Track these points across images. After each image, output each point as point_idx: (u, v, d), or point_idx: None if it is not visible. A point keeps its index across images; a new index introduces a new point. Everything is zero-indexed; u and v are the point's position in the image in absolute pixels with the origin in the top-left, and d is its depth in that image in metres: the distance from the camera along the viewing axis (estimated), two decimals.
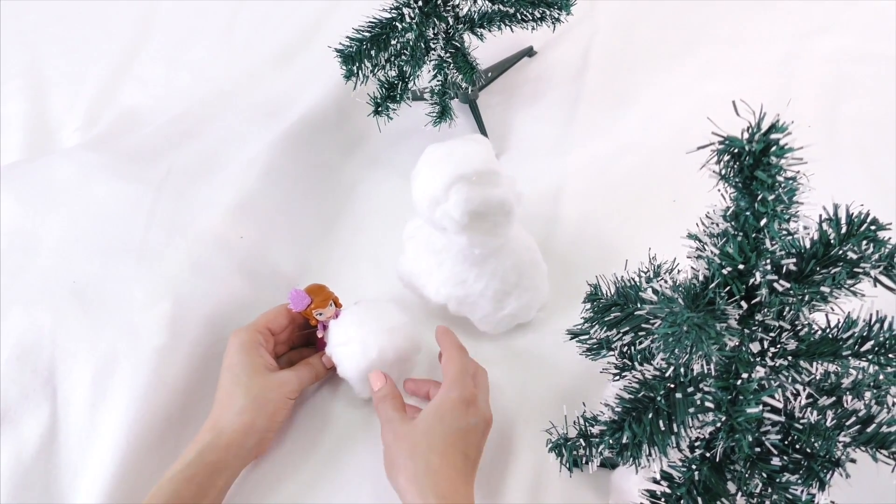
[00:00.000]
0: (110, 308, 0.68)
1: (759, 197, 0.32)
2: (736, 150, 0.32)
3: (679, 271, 0.56)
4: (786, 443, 0.42)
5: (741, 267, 0.36)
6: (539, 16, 0.76)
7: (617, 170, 0.81)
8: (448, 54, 0.77)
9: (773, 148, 0.31)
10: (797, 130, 0.80)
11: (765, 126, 0.31)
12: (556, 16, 0.76)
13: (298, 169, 0.82)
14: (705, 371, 0.35)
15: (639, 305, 0.44)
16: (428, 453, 0.53)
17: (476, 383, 0.58)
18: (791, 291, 0.37)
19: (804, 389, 0.43)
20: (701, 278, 0.38)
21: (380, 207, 0.81)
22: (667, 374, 0.41)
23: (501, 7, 0.77)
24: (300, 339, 0.69)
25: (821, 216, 0.38)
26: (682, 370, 0.40)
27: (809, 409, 0.43)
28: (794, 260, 0.37)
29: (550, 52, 0.95)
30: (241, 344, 0.61)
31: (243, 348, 0.61)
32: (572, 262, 0.74)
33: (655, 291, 0.37)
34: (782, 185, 0.32)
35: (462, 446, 0.54)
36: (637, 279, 0.52)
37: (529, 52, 0.95)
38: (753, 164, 0.31)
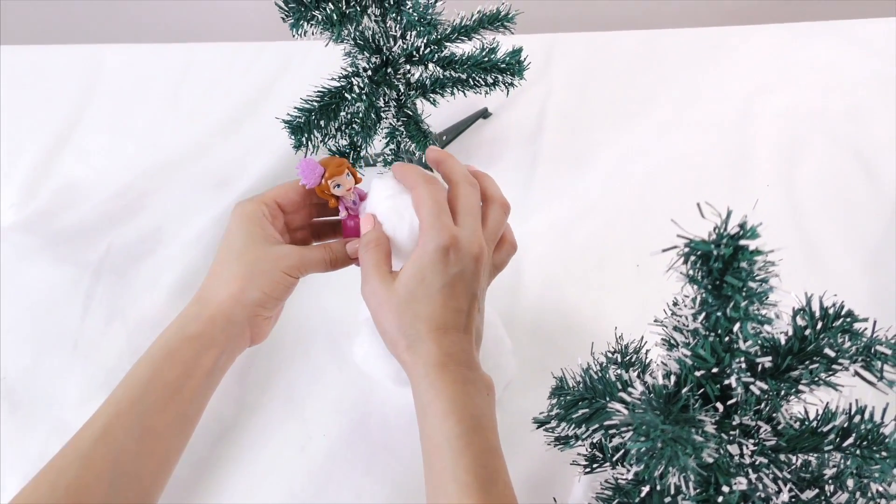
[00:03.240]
0: (41, 406, 0.63)
1: (732, 303, 0.30)
2: (702, 253, 0.29)
3: (647, 351, 0.54)
4: None
5: (715, 370, 0.33)
6: (492, 81, 0.75)
7: (578, 234, 0.79)
8: (400, 122, 0.75)
9: (743, 251, 0.28)
10: (756, 190, 0.79)
11: (732, 228, 0.28)
12: (510, 81, 0.75)
13: None
14: (682, 486, 0.32)
15: (607, 400, 0.41)
16: (415, 322, 0.48)
17: (456, 213, 0.51)
18: (768, 391, 0.34)
19: (785, 484, 0.41)
20: (672, 379, 0.35)
21: (334, 284, 0.77)
22: (642, 479, 0.38)
23: (453, 73, 0.75)
24: (325, 230, 0.62)
25: (794, 309, 0.36)
26: (657, 477, 0.37)
27: None
28: (770, 358, 0.34)
29: (506, 113, 0.93)
30: (241, 214, 0.54)
31: (244, 219, 0.54)
32: (538, 334, 0.71)
33: (624, 401, 0.35)
34: (755, 289, 0.30)
35: (452, 303, 0.49)
36: (604, 363, 0.49)
37: (484, 114, 0.93)
38: (723, 268, 0.29)
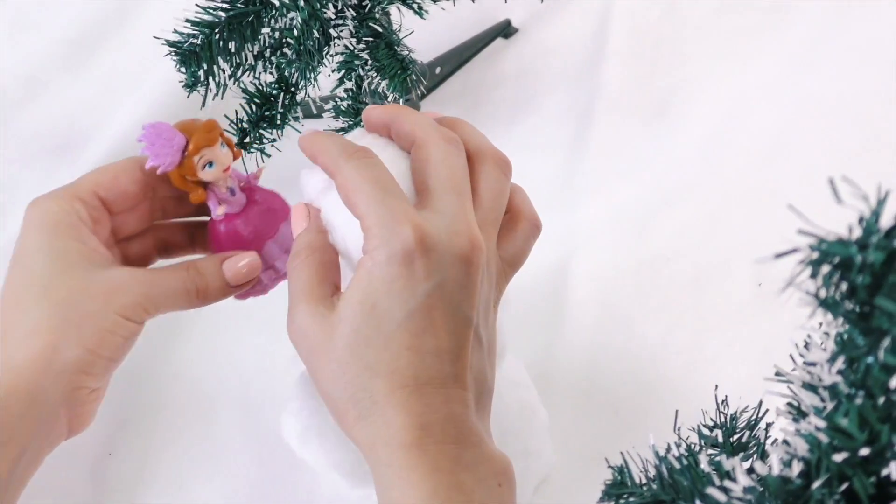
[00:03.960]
0: None
1: (888, 341, 0.31)
2: (839, 261, 0.31)
3: (768, 425, 0.55)
4: None
5: (865, 451, 0.35)
6: None
7: (660, 231, 0.81)
8: (363, 45, 0.77)
9: None
10: None
11: (886, 221, 0.30)
12: None
13: None
14: None
15: (696, 503, 0.43)
16: (365, 378, 0.47)
17: (426, 191, 0.51)
18: None
19: None
20: (798, 467, 0.37)
21: (250, 313, 0.78)
22: None
23: None
24: (177, 238, 0.63)
25: None
26: None
27: None
28: None
29: (540, 29, 0.95)
30: (41, 220, 0.54)
31: (46, 227, 0.53)
32: (589, 397, 0.73)
33: (719, 503, 0.36)
34: None
35: (425, 342, 0.48)
36: (696, 445, 0.50)
37: (506, 31, 0.95)
38: (872, 284, 0.31)
